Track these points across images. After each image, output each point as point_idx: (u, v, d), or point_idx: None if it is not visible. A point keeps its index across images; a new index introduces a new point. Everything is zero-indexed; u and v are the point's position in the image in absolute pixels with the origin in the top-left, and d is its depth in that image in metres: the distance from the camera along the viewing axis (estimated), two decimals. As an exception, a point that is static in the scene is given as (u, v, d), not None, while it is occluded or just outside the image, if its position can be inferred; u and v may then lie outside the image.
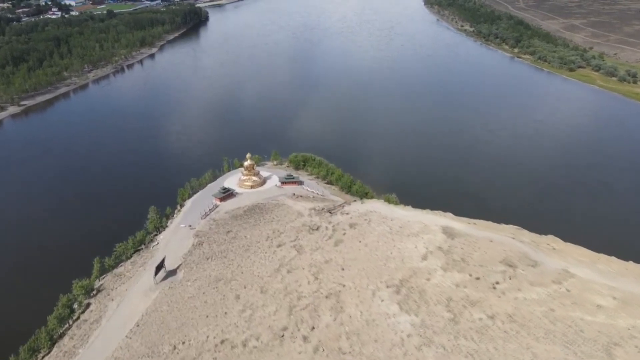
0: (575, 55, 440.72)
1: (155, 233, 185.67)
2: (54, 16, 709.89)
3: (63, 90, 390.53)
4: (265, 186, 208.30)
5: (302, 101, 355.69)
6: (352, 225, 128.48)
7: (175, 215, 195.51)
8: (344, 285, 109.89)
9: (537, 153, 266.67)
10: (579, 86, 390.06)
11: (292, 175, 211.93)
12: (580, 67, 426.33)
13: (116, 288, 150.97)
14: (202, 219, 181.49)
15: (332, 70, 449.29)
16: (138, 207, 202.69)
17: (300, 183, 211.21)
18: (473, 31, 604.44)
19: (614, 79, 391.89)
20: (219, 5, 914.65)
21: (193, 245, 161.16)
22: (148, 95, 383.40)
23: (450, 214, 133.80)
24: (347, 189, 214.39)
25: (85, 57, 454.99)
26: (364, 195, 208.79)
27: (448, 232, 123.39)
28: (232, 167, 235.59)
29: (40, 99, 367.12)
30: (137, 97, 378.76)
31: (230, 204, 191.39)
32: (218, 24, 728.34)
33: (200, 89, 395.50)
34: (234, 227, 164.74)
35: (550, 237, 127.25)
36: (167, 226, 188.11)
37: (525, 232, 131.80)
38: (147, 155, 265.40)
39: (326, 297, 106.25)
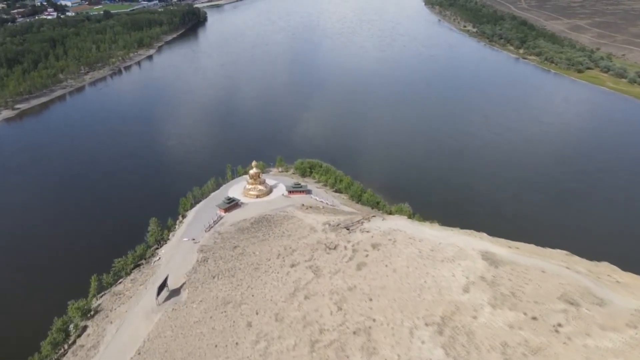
0: (582, 57, 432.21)
1: (156, 246, 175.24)
2: (49, 17, 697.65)
3: (59, 93, 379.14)
4: (272, 195, 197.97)
5: (306, 104, 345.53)
6: (375, 246, 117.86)
7: (177, 227, 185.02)
8: (374, 320, 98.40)
9: (551, 158, 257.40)
10: (588, 88, 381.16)
11: (299, 184, 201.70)
12: (588, 68, 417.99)
13: (115, 309, 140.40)
14: (206, 231, 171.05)
15: (335, 72, 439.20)
16: (137, 218, 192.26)
17: (308, 192, 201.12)
18: (476, 32, 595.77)
19: (623, 80, 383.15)
20: (217, 6, 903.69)
21: (197, 261, 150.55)
22: (146, 98, 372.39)
23: (485, 235, 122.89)
24: (357, 198, 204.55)
25: (82, 58, 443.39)
26: (375, 205, 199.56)
27: (489, 259, 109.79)
28: (235, 174, 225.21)
29: (35, 102, 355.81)
30: (135, 100, 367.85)
31: (235, 215, 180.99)
32: (217, 25, 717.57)
33: (201, 91, 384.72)
34: (241, 241, 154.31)
35: (606, 264, 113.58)
36: (168, 239, 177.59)
37: (577, 258, 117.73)
38: (146, 162, 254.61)
39: (354, 332, 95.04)
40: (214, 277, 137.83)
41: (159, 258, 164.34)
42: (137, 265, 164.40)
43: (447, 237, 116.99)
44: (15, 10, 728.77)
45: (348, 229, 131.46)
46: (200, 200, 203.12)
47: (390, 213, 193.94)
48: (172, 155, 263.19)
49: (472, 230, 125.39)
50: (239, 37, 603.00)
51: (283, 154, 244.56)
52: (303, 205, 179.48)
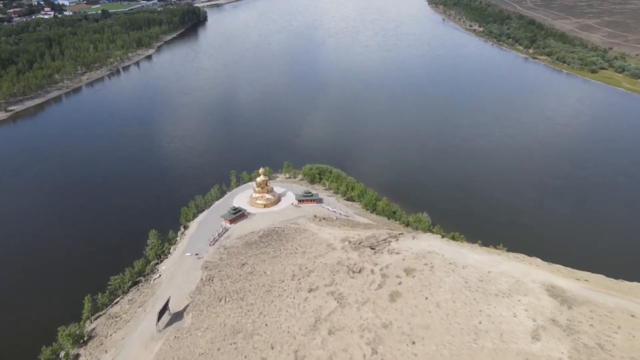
0: (595, 56, 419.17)
1: (156, 262, 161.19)
2: (46, 16, 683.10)
3: (54, 94, 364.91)
4: (280, 205, 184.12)
5: (312, 106, 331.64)
6: (408, 272, 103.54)
7: (178, 240, 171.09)
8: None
9: (570, 161, 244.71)
10: (604, 89, 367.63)
11: (310, 192, 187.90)
12: (602, 68, 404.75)
13: (111, 335, 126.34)
14: (210, 245, 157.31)
15: (340, 72, 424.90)
16: (136, 230, 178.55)
17: (320, 201, 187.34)
18: (483, 31, 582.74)
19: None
20: (217, 6, 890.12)
21: (202, 280, 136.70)
22: (146, 100, 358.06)
23: (539, 260, 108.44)
24: (372, 207, 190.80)
25: (79, 58, 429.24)
26: (391, 215, 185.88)
27: (558, 295, 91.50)
28: (240, 181, 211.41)
29: (29, 103, 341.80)
30: (134, 101, 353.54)
31: (242, 227, 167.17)
32: (217, 24, 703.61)
33: (202, 92, 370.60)
34: (250, 257, 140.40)
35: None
36: (169, 253, 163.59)
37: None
38: (145, 168, 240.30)
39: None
40: (220, 300, 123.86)
41: (159, 275, 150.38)
42: (135, 283, 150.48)
43: (496, 264, 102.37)
44: (12, 10, 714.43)
45: (373, 249, 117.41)
46: (203, 210, 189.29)
47: (408, 224, 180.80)
48: (172, 160, 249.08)
49: (522, 255, 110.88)
50: (240, 37, 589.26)
51: (290, 158, 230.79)
52: (315, 216, 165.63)
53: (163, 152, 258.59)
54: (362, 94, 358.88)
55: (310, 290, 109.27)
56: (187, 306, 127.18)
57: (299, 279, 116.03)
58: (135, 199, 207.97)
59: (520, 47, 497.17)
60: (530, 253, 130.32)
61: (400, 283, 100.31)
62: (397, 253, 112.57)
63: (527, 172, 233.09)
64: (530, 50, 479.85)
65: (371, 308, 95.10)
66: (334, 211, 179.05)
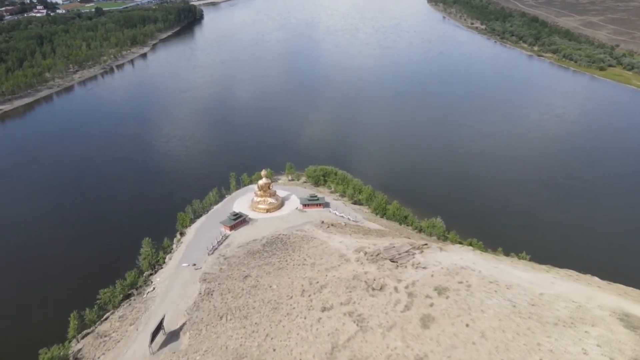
0: (603, 54, 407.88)
1: (150, 272, 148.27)
2: (39, 14, 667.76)
3: (45, 93, 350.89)
4: (284, 209, 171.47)
5: (313, 104, 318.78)
6: (440, 291, 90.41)
7: (174, 248, 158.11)
8: None
9: (582, 159, 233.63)
10: (613, 86, 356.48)
11: (315, 196, 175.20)
12: (610, 65, 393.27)
13: (99, 358, 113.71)
14: (209, 254, 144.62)
15: (341, 70, 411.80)
16: (128, 237, 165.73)
17: (326, 205, 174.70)
18: (485, 29, 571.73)
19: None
20: (214, 4, 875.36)
21: (200, 294, 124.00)
22: (140, 99, 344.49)
23: (597, 279, 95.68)
24: (382, 211, 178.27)
25: (71, 56, 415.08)
26: (402, 220, 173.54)
27: (636, 327, 75.98)
28: (240, 184, 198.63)
29: (18, 103, 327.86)
30: (128, 100, 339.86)
31: (243, 234, 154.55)
32: (214, 23, 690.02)
33: (199, 91, 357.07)
34: (253, 269, 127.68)
35: None
36: (164, 263, 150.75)
37: None
38: (139, 170, 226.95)
39: None
40: (221, 318, 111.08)
41: (154, 288, 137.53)
42: (127, 296, 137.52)
43: (547, 284, 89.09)
44: (4, 8, 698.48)
45: (395, 262, 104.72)
46: (201, 215, 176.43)
47: (421, 230, 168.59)
48: (168, 162, 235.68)
49: (574, 272, 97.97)
50: (238, 35, 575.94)
51: (292, 159, 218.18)
52: (323, 222, 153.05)
53: (158, 154, 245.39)
54: (364, 91, 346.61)
55: (323, 310, 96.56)
56: (183, 324, 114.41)
57: (309, 295, 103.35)
58: (128, 203, 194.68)
59: (525, 45, 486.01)
60: (561, 264, 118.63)
61: (432, 305, 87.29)
62: (424, 268, 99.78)
63: (539, 171, 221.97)
64: (535, 48, 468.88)
65: (399, 335, 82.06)
66: (342, 216, 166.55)
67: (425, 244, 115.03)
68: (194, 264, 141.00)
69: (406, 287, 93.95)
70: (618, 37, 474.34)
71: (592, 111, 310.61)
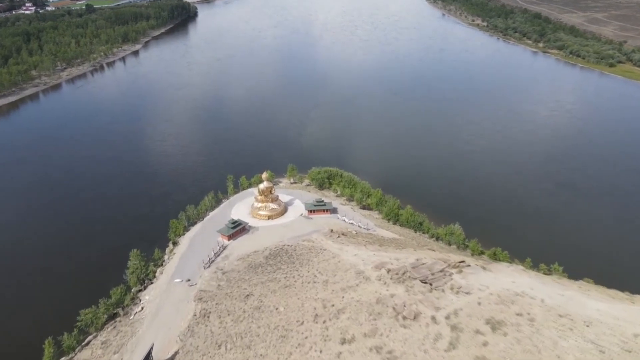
0: (612, 50, 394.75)
1: (138, 288, 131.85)
2: (27, 12, 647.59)
3: (30, 91, 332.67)
4: (288, 216, 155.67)
5: (313, 102, 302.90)
6: (494, 326, 74.41)
7: (166, 261, 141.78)
8: None
9: (599, 157, 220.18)
10: (624, 83, 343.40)
11: (322, 201, 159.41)
12: (619, 62, 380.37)
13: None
14: (205, 268, 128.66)
15: (340, 67, 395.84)
16: (114, 248, 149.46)
17: (333, 211, 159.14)
18: (486, 25, 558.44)
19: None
20: (208, 2, 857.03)
21: (195, 316, 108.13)
22: (131, 98, 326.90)
23: None
24: (394, 217, 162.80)
25: (59, 54, 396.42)
26: (417, 227, 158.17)
27: None
28: (239, 187, 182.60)
29: (2, 102, 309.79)
30: (119, 99, 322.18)
31: (243, 244, 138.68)
32: (209, 20, 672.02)
33: (194, 89, 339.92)
34: (255, 286, 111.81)
35: None
36: (155, 278, 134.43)
37: None
38: (128, 173, 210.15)
39: None
40: (219, 346, 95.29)
41: (142, 308, 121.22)
42: (111, 317, 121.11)
43: (634, 317, 73.85)
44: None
45: (429, 284, 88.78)
46: (196, 222, 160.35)
47: (438, 238, 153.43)
48: (159, 164, 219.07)
49: None
50: (234, 32, 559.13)
51: (293, 160, 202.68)
52: (332, 231, 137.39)
53: (149, 155, 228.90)
54: (366, 88, 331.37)
55: (343, 342, 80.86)
56: (175, 354, 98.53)
57: (324, 322, 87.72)
58: (116, 210, 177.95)
59: (529, 41, 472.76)
60: (603, 279, 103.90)
61: (485, 344, 71.49)
62: (467, 293, 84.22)
63: (555, 170, 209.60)
64: (540, 44, 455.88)
65: (446, 383, 67.07)
66: (352, 223, 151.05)
67: (463, 261, 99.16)
68: (188, 280, 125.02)
69: (447, 318, 78.35)
70: (625, 34, 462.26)
71: (606, 108, 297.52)
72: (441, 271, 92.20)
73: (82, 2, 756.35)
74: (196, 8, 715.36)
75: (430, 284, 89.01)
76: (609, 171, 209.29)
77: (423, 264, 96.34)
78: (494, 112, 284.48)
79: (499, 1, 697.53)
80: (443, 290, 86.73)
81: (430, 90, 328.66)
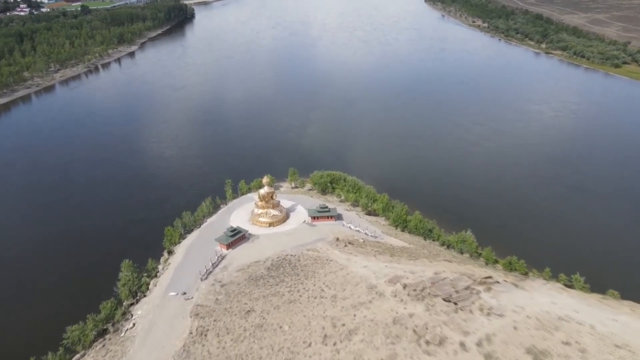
0: (616, 50, 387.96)
1: (130, 302, 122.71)
2: (22, 13, 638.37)
3: (22, 93, 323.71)
4: (290, 223, 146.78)
5: (314, 103, 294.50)
6: (537, 356, 64.64)
7: (161, 272, 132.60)
8: None
9: (612, 161, 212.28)
10: (630, 83, 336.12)
11: (326, 207, 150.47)
12: (624, 63, 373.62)
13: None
14: (202, 279, 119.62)
15: (341, 67, 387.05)
16: (106, 258, 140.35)
17: (338, 217, 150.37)
18: (487, 27, 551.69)
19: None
20: (205, 3, 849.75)
21: (191, 334, 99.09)
22: (126, 99, 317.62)
23: None
24: (402, 224, 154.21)
25: (52, 55, 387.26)
26: (427, 234, 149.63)
27: None
28: (238, 192, 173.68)
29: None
30: (113, 101, 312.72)
31: (243, 254, 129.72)
32: (207, 21, 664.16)
33: (191, 91, 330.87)
34: (256, 301, 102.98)
35: None
36: (148, 290, 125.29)
37: None
38: (122, 176, 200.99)
39: None
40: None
41: (134, 325, 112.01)
42: (101, 334, 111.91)
43: None
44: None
45: (454, 303, 79.80)
46: (193, 230, 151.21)
47: (448, 245, 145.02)
48: (154, 167, 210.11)
49: None
50: (232, 32, 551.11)
51: (294, 164, 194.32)
52: (338, 239, 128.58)
53: (144, 158, 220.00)
54: (367, 89, 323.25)
55: (358, 368, 72.33)
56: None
57: (334, 344, 78.88)
58: (108, 215, 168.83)
59: (531, 42, 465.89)
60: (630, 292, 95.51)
61: None
62: (500, 315, 75.23)
63: (565, 173, 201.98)
64: (543, 45, 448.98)
65: None
66: (358, 230, 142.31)
67: (490, 277, 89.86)
68: (184, 293, 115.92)
69: (479, 345, 69.28)
70: (628, 34, 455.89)
71: (614, 109, 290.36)
72: (467, 288, 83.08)
73: (78, 3, 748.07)
74: (193, 9, 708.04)
75: (455, 303, 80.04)
76: (621, 173, 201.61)
77: (443, 278, 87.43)
78: (500, 113, 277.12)
79: (498, 3, 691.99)
80: (471, 311, 77.80)
81: (433, 91, 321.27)
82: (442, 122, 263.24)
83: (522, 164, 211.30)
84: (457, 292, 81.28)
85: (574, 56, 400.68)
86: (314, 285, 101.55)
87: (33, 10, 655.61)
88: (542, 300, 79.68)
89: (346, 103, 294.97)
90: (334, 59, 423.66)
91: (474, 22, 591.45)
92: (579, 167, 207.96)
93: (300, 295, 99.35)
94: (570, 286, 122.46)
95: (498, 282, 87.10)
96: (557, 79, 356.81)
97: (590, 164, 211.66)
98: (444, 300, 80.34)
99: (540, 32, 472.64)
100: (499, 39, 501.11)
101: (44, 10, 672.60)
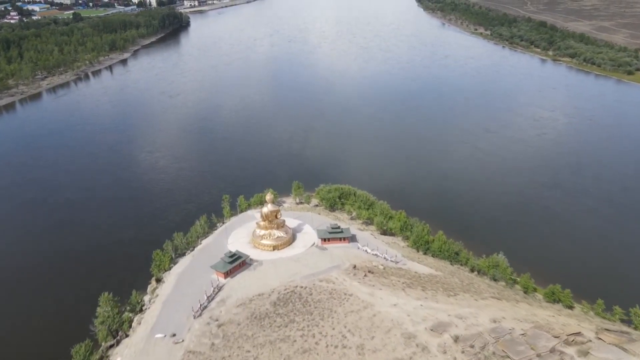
0: (628, 57, 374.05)
1: (110, 343, 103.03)
2: (12, 21, 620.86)
3: (5, 101, 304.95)
4: (297, 246, 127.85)
5: (316, 112, 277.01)
6: None
7: (147, 305, 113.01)
8: None
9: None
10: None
11: (338, 227, 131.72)
12: (637, 69, 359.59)
13: None
14: (195, 317, 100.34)
15: (342, 74, 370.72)
16: (82, 289, 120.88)
17: (352, 239, 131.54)
18: (490, 34, 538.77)
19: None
20: (201, 12, 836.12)
21: (180, 391, 79.38)
22: (115, 108, 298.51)
23: None
24: (424, 245, 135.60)
25: (39, 62, 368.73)
26: (453, 258, 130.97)
27: None
28: (236, 209, 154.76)
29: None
30: (102, 110, 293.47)
31: (243, 284, 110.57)
32: (202, 29, 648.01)
33: (185, 99, 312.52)
34: (262, 348, 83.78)
35: None
36: (131, 329, 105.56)
37: None
38: (107, 191, 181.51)
39: None
40: None
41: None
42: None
43: None
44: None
45: None
46: (185, 254, 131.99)
47: (479, 271, 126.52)
48: (143, 180, 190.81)
49: None
50: (228, 40, 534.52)
51: (298, 177, 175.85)
52: (355, 267, 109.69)
53: (133, 170, 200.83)
54: (371, 97, 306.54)
55: None
56: None
57: (368, 419, 60.09)
58: (89, 237, 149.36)
59: (537, 49, 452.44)
60: None
61: None
62: None
63: (592, 186, 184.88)
64: (550, 52, 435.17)
65: None
66: (376, 254, 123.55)
67: (579, 333, 70.45)
68: (173, 335, 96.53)
69: None
70: (636, 41, 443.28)
71: (627, 114, 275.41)
72: (552, 351, 64.09)
73: (70, 12, 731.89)
74: (189, 17, 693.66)
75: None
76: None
77: (509, 331, 68.48)
78: (511, 120, 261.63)
79: (499, 11, 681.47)
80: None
81: (440, 97, 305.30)
82: (453, 130, 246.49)
83: (542, 173, 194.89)
84: (539, 356, 61.80)
85: (584, 63, 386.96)
86: (333, 328, 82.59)
87: (24, 18, 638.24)
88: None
89: (351, 110, 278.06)
90: (334, 66, 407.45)
91: (476, 29, 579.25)
92: (604, 177, 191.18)
93: (316, 343, 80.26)
94: (628, 320, 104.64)
95: (590, 341, 67.75)
96: (568, 85, 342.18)
97: (615, 174, 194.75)
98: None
99: (546, 39, 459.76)
100: (503, 46, 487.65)
101: (35, 17, 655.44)
